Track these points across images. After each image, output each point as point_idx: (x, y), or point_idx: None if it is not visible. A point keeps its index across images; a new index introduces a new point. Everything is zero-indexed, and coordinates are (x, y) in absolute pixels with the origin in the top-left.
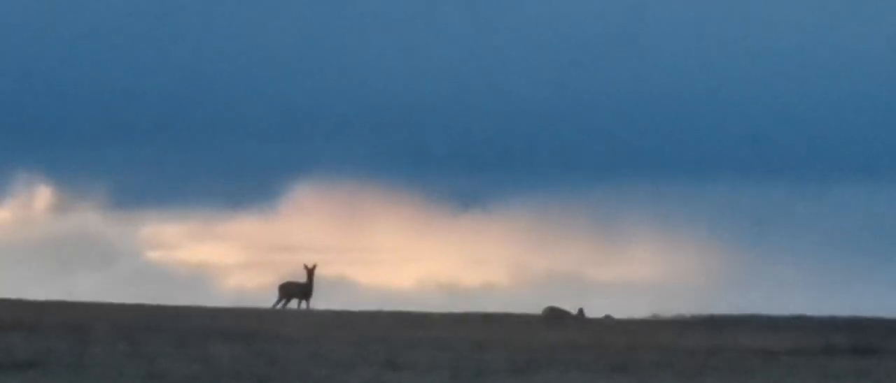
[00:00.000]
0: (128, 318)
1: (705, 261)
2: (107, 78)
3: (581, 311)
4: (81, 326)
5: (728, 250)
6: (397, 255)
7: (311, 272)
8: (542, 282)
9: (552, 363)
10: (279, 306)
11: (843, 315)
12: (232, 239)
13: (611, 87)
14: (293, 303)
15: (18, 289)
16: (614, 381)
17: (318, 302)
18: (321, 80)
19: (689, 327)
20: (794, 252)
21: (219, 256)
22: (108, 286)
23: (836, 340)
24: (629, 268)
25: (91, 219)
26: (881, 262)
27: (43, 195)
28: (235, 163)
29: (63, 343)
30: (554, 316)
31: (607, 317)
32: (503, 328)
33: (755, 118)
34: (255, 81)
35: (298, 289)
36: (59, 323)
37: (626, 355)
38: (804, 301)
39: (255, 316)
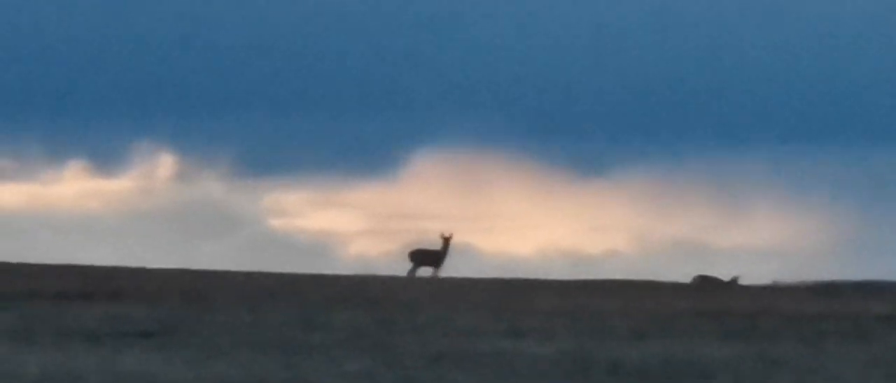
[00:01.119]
0: (250, 287)
1: (827, 226)
2: (230, 46)
3: (735, 279)
4: (203, 295)
5: (850, 216)
6: (519, 223)
7: (447, 241)
8: (664, 248)
9: (673, 330)
10: (412, 274)
11: None
12: (354, 207)
13: (732, 52)
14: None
15: (141, 258)
16: (735, 348)
17: (443, 270)
18: (444, 48)
19: (810, 293)
20: None
21: (341, 224)
22: (231, 254)
23: None
24: (751, 234)
25: (214, 188)
26: None
27: (166, 164)
28: (358, 131)
29: (185, 312)
30: (704, 284)
31: (735, 280)
32: (625, 295)
33: (878, 82)
34: (378, 49)
35: (431, 257)
36: (182, 293)
37: (747, 322)
38: None
39: (378, 284)
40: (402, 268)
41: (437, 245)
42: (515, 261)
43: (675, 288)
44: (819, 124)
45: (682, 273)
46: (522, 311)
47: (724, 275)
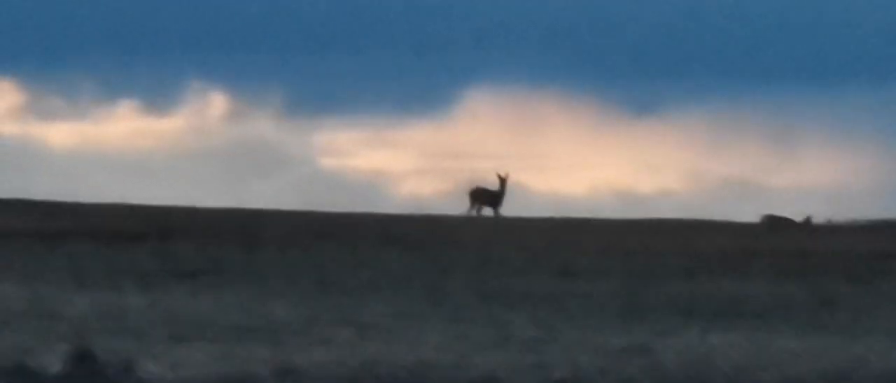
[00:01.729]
0: (300, 226)
1: (880, 165)
2: None
3: (808, 219)
4: (254, 234)
5: None
6: (571, 162)
7: (503, 181)
8: (717, 187)
9: (724, 269)
10: (473, 213)
11: None
12: (405, 146)
13: None
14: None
15: (192, 197)
16: (784, 287)
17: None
18: None
19: (864, 232)
20: None
21: (392, 164)
22: (282, 193)
23: None
24: (804, 173)
25: (265, 127)
26: None
27: (217, 103)
28: (409, 70)
29: (236, 251)
30: (773, 223)
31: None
32: (677, 235)
33: None
34: None
35: (490, 197)
36: (232, 232)
37: (799, 260)
38: None
39: (429, 224)
40: (453, 207)
41: (493, 185)
42: (567, 201)
43: (727, 228)
44: (872, 63)
45: (736, 212)
46: (574, 251)
47: (795, 214)
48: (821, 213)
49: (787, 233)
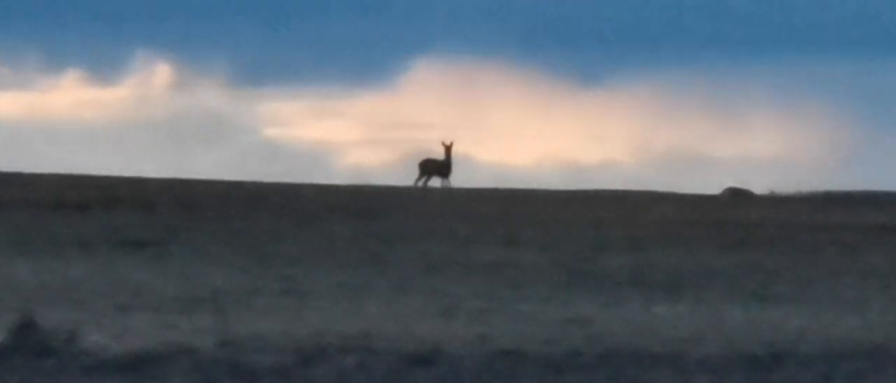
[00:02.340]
0: (245, 197)
1: (824, 136)
2: None
3: (772, 192)
4: (198, 205)
5: (847, 126)
6: (517, 133)
7: (448, 149)
8: (662, 158)
9: (669, 240)
10: (421, 183)
11: None
12: (351, 116)
13: None
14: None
15: (136, 168)
16: (728, 258)
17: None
18: None
19: (806, 203)
20: None
21: (337, 134)
22: (227, 164)
23: None
24: (748, 144)
25: (210, 97)
26: None
27: (162, 72)
28: (355, 40)
29: (179, 221)
30: (735, 195)
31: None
32: (622, 206)
33: None
34: None
35: (439, 167)
36: (176, 201)
37: (743, 231)
38: None
39: (374, 194)
40: (399, 177)
41: (440, 155)
42: (513, 171)
43: (672, 199)
44: (818, 33)
45: (682, 183)
46: (519, 222)
47: (755, 187)
48: (765, 185)
49: (743, 205)
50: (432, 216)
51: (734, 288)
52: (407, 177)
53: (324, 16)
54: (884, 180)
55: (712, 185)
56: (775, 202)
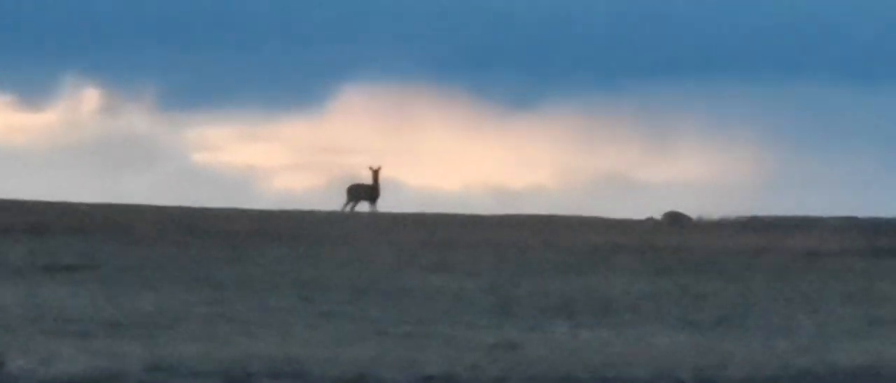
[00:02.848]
0: (173, 221)
1: (752, 162)
2: None
3: (703, 216)
4: (127, 229)
5: (775, 151)
6: (445, 157)
7: (376, 174)
8: (591, 183)
9: (596, 265)
10: (348, 209)
11: (890, 216)
12: (279, 141)
13: None
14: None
15: (65, 192)
16: (656, 284)
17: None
18: None
19: (734, 228)
20: (842, 152)
21: (265, 158)
22: (155, 188)
23: (883, 242)
24: (676, 168)
25: (138, 122)
26: None
27: (90, 97)
28: (283, 65)
29: (109, 246)
30: (673, 220)
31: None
32: (550, 230)
33: (804, 18)
34: None
35: (365, 191)
36: (106, 226)
37: (670, 256)
38: (851, 202)
39: (302, 219)
40: (326, 202)
41: (368, 180)
42: (441, 196)
43: (599, 224)
44: (745, 57)
45: (609, 208)
46: (447, 246)
47: (693, 211)
48: (692, 210)
49: (674, 231)
50: (360, 241)
51: (661, 313)
52: (335, 201)
53: (252, 41)
54: (810, 205)
55: (640, 210)
56: (703, 227)
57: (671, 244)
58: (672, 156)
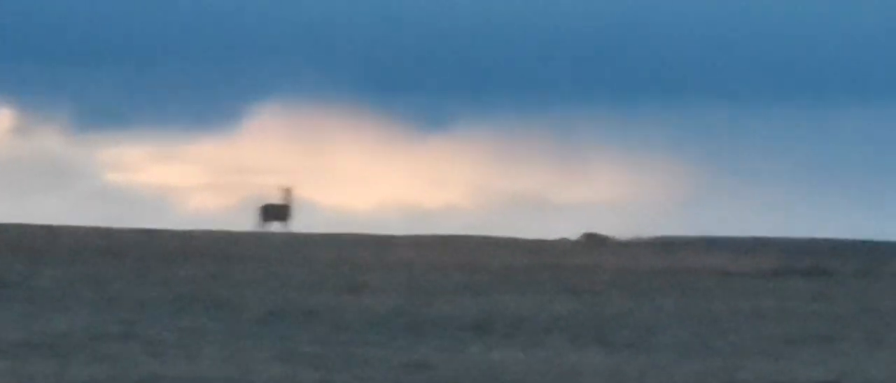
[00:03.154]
0: (87, 242)
1: (665, 183)
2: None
3: (620, 235)
4: (39, 250)
5: (687, 173)
6: (358, 178)
7: (288, 194)
8: (503, 203)
9: (509, 285)
10: (261, 228)
11: (799, 237)
12: (194, 161)
13: (573, 8)
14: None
15: None
16: (566, 304)
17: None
18: (284, 1)
19: (645, 248)
20: (752, 174)
21: (179, 179)
22: (68, 209)
23: (792, 262)
24: (590, 189)
25: (52, 142)
26: (837, 186)
27: (3, 117)
28: (198, 86)
29: (21, 265)
30: (592, 240)
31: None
32: (463, 250)
33: (717, 42)
34: (217, 3)
35: (277, 211)
36: (17, 246)
37: (582, 276)
38: (761, 223)
39: (217, 239)
40: (240, 222)
41: (280, 199)
42: (354, 216)
43: (513, 244)
44: (658, 81)
45: (522, 228)
46: (359, 266)
47: (606, 232)
48: (606, 230)
49: (589, 251)
50: (273, 261)
51: (574, 333)
52: (248, 221)
53: (165, 61)
54: (721, 225)
55: (553, 230)
56: (619, 247)
57: (584, 264)
58: (585, 177)
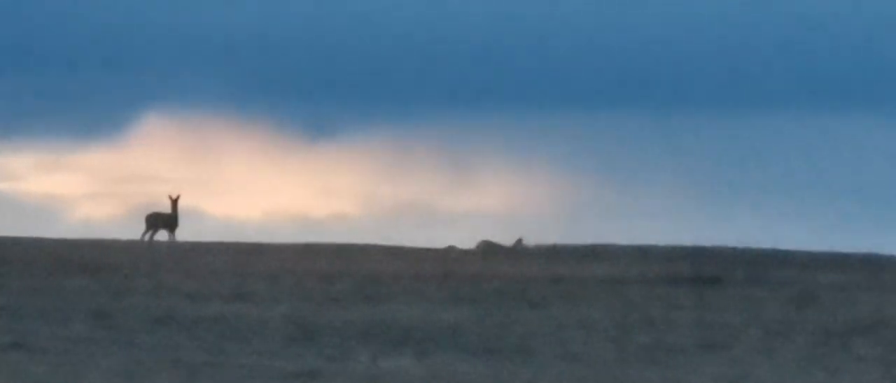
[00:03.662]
0: None
1: (553, 191)
2: None
3: (519, 241)
4: None
5: (575, 181)
6: (247, 187)
7: (175, 203)
8: (393, 212)
9: (398, 293)
10: (147, 238)
11: (686, 244)
12: (81, 170)
13: (462, 15)
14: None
15: None
16: (456, 312)
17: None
18: (170, 9)
19: (534, 257)
20: (640, 183)
21: (66, 188)
22: None
23: (680, 269)
24: (479, 198)
25: None
26: (724, 192)
27: None
28: (84, 94)
29: None
30: (489, 249)
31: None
32: (352, 259)
33: (604, 49)
34: (103, 11)
35: (164, 220)
36: None
37: (471, 285)
38: (649, 231)
39: (103, 249)
40: (128, 231)
41: (167, 208)
42: (242, 225)
43: (401, 252)
44: (547, 90)
45: (411, 236)
46: (248, 275)
47: (506, 239)
48: (497, 239)
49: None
50: (160, 269)
51: (462, 342)
52: (135, 230)
53: (51, 69)
54: (609, 234)
55: (442, 239)
56: (505, 255)
57: (472, 272)
58: (474, 185)
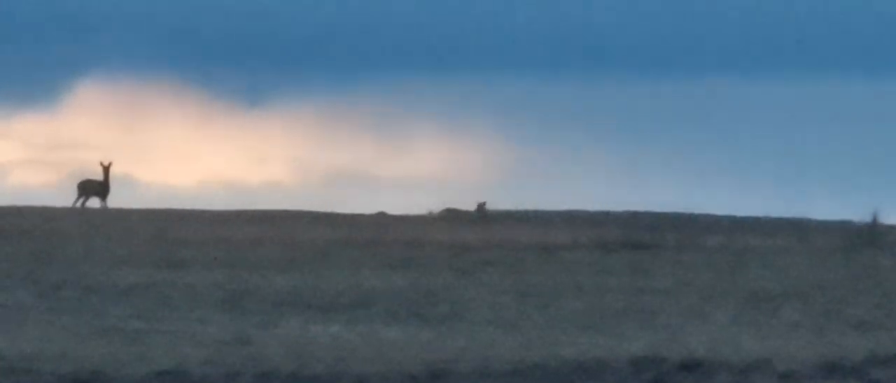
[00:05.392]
0: None
1: (485, 157)
2: None
3: (481, 206)
4: None
5: (507, 146)
6: (180, 154)
7: (107, 170)
8: (325, 179)
9: (329, 260)
10: (79, 204)
11: (617, 210)
12: (12, 137)
13: None
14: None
15: None
16: (389, 279)
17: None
18: None
19: (464, 223)
20: (571, 148)
21: (1, 155)
22: None
23: (611, 235)
24: (411, 164)
25: None
26: (656, 157)
27: None
28: (16, 61)
29: None
30: (452, 215)
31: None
32: (284, 226)
33: (532, 14)
34: None
35: (95, 187)
36: None
37: (403, 252)
38: (579, 196)
39: (35, 215)
40: (60, 198)
41: (99, 175)
42: (175, 192)
43: (332, 219)
44: (479, 54)
45: (346, 203)
46: (179, 242)
47: (469, 204)
48: (425, 205)
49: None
50: (92, 237)
51: (393, 308)
52: (68, 198)
53: None
54: (541, 199)
55: (372, 205)
56: (434, 221)
57: (403, 239)
58: (408, 152)
